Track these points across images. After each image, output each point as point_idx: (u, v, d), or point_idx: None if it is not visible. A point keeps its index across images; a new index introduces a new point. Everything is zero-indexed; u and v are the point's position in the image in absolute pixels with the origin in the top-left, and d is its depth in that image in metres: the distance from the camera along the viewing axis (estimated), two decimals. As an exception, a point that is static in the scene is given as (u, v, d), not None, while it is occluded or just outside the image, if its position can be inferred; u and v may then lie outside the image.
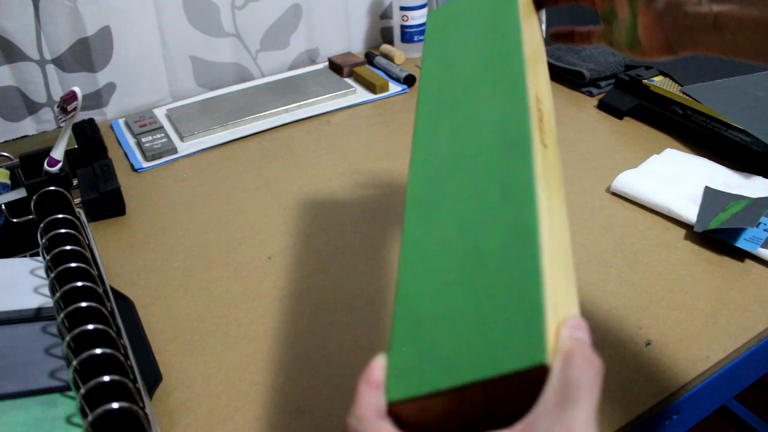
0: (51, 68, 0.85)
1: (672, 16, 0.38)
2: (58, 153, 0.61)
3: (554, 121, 0.37)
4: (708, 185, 0.64)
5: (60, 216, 0.52)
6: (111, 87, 0.91)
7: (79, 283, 0.44)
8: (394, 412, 0.25)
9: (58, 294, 0.44)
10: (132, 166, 0.78)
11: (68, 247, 0.48)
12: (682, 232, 0.60)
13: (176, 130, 0.85)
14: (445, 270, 0.28)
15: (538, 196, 0.28)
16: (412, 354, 0.26)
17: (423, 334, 0.26)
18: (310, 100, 0.90)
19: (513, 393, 0.24)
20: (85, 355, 0.38)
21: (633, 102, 0.81)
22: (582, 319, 0.25)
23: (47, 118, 0.88)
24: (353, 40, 1.12)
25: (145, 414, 0.38)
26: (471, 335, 0.25)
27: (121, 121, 0.90)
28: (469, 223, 0.29)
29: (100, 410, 0.35)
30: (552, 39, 0.51)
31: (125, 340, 0.45)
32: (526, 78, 0.35)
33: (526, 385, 0.23)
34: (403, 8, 1.03)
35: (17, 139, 0.83)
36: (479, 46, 0.40)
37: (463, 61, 0.40)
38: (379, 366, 0.26)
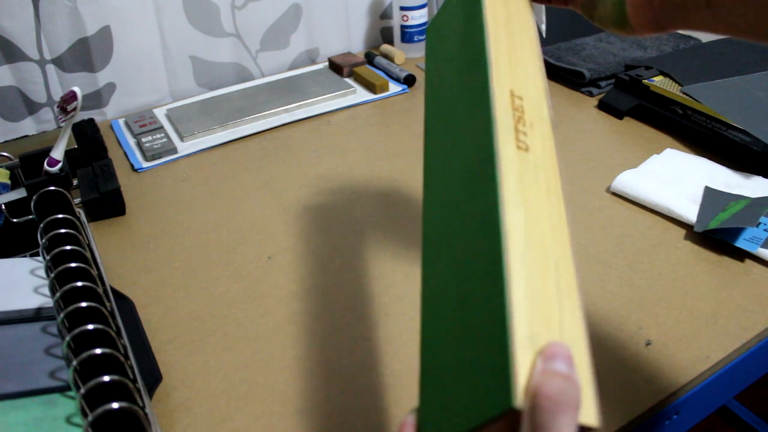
0: (51, 68, 0.85)
1: None
2: (58, 153, 0.61)
3: (548, 109, 0.33)
4: (708, 185, 0.64)
5: (60, 216, 0.52)
6: (111, 87, 0.91)
7: (79, 283, 0.44)
8: None
9: (58, 294, 0.44)
10: (132, 166, 0.78)
11: (68, 247, 0.48)
12: (682, 232, 0.60)
13: (176, 130, 0.85)
14: (446, 316, 0.27)
15: (505, 220, 0.25)
16: (430, 408, 0.26)
17: (436, 384, 0.26)
18: (310, 100, 0.90)
19: None
20: (85, 355, 0.38)
21: (633, 102, 0.81)
22: (561, 344, 0.22)
23: (47, 118, 0.88)
24: (353, 40, 1.12)
25: (145, 414, 0.38)
26: (462, 383, 0.24)
27: (121, 121, 0.90)
28: (458, 262, 0.28)
29: (100, 410, 0.36)
30: None
31: (125, 340, 0.45)
32: (491, 81, 0.31)
33: (512, 428, 0.22)
34: (403, 8, 1.03)
35: (17, 139, 0.83)
36: (456, 57, 0.38)
37: (447, 73, 0.38)
38: (410, 426, 0.26)
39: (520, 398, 0.21)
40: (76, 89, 0.58)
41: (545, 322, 0.23)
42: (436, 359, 0.27)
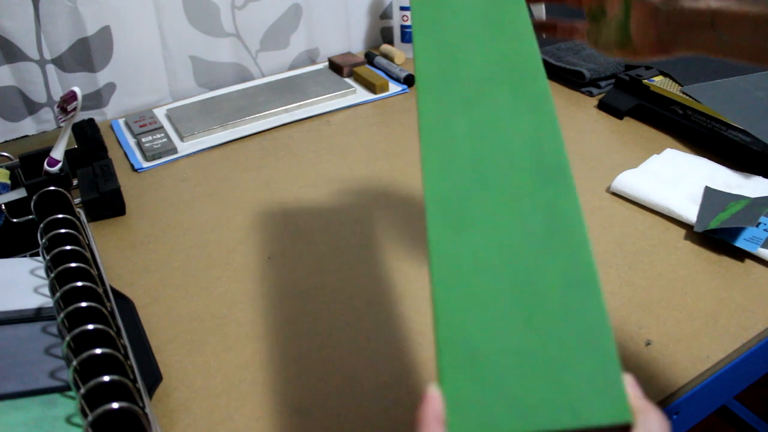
0: (51, 68, 0.85)
1: (667, 11, 0.37)
2: (58, 153, 0.61)
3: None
4: (708, 185, 0.64)
5: (60, 216, 0.52)
6: (111, 87, 0.91)
7: (79, 283, 0.44)
8: None
9: (58, 294, 0.44)
10: (132, 166, 0.78)
11: (68, 247, 0.48)
12: (682, 232, 0.60)
13: (176, 130, 0.85)
14: (492, 297, 0.27)
15: (586, 233, 0.28)
16: (472, 389, 0.24)
17: (481, 367, 0.25)
18: (310, 100, 0.90)
19: None
20: (85, 355, 0.38)
21: (633, 102, 0.81)
22: (632, 379, 0.25)
23: (47, 118, 0.88)
24: (353, 40, 1.12)
25: (145, 414, 0.38)
26: (543, 379, 0.24)
27: (121, 121, 0.90)
28: (511, 249, 0.28)
29: (100, 410, 0.36)
30: (535, 29, 0.47)
31: (125, 340, 0.45)
32: (548, 88, 0.33)
33: None
34: (403, 8, 1.03)
35: (17, 139, 0.83)
36: (487, 41, 0.37)
37: (468, 53, 0.37)
38: (438, 400, 0.24)
39: (632, 416, 0.23)
40: (76, 89, 0.58)
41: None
42: (473, 339, 0.26)
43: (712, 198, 0.62)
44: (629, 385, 0.24)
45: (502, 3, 0.39)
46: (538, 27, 0.48)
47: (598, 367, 0.24)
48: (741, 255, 0.56)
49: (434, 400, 0.24)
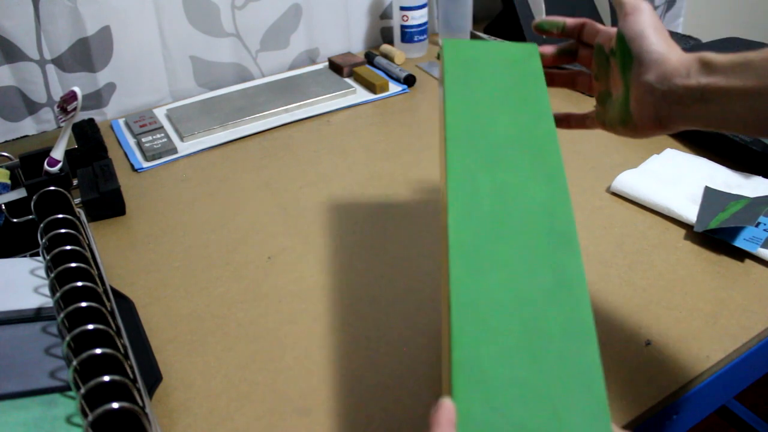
0: (51, 68, 0.85)
1: (662, 89, 0.40)
2: (58, 153, 0.61)
3: None
4: (708, 185, 0.64)
5: (60, 216, 0.52)
6: (111, 87, 0.91)
7: (79, 283, 0.44)
8: None
9: (58, 294, 0.44)
10: (132, 166, 0.78)
11: (68, 247, 0.48)
12: (682, 232, 0.60)
13: (176, 130, 0.85)
14: (503, 332, 0.31)
15: (588, 297, 0.32)
16: (481, 406, 0.28)
17: (490, 390, 0.29)
18: (310, 100, 0.90)
19: None
20: (85, 355, 0.38)
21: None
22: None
23: (47, 118, 0.88)
24: (353, 40, 1.12)
25: (145, 414, 0.38)
26: (542, 410, 0.28)
27: (121, 121, 0.90)
28: (523, 295, 0.32)
29: (100, 410, 0.36)
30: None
31: (125, 340, 0.45)
32: (562, 164, 0.39)
33: None
34: (403, 8, 1.03)
35: (17, 139, 0.83)
36: (509, 108, 0.43)
37: (493, 117, 0.43)
38: (452, 408, 0.28)
39: None
40: (76, 89, 0.58)
41: None
42: (483, 365, 0.30)
43: (711, 198, 0.62)
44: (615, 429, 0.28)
45: (526, 81, 0.45)
46: (559, 121, 0.53)
47: (590, 408, 0.28)
48: (741, 255, 0.56)
49: (449, 408, 0.28)
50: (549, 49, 0.50)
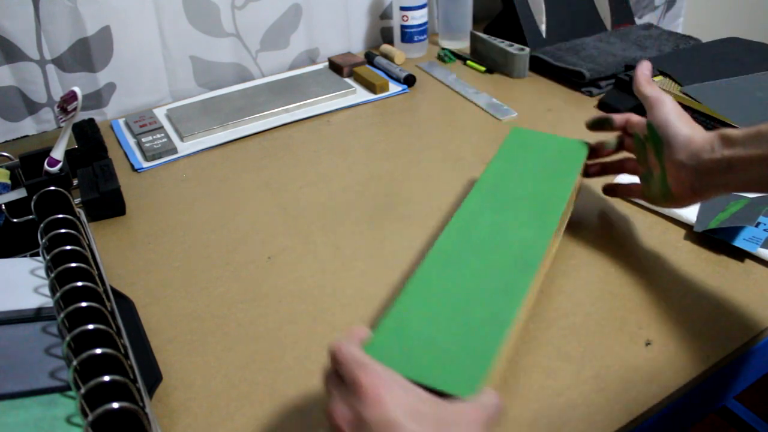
0: (51, 68, 0.85)
1: (692, 164, 0.47)
2: (58, 153, 0.61)
3: (572, 201, 0.55)
4: (708, 185, 0.64)
5: (60, 216, 0.52)
6: (111, 87, 0.91)
7: (79, 283, 0.44)
8: None
9: (58, 294, 0.44)
10: (132, 166, 0.78)
11: (68, 247, 0.48)
12: (682, 232, 0.60)
13: (176, 130, 0.85)
14: (436, 309, 0.40)
15: (518, 316, 0.40)
16: (389, 342, 0.37)
17: (403, 335, 0.38)
18: (310, 100, 0.90)
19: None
20: (85, 355, 0.38)
21: (633, 102, 0.81)
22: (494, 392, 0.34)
23: (47, 118, 0.88)
24: (353, 40, 1.12)
25: (146, 414, 0.38)
26: (437, 357, 0.36)
27: (121, 121, 0.90)
28: (469, 292, 0.41)
29: (100, 410, 0.36)
30: (604, 192, 0.63)
31: (125, 340, 0.45)
32: (558, 220, 0.49)
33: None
34: (403, 8, 1.03)
35: (17, 139, 0.83)
36: (538, 179, 0.53)
37: (521, 182, 0.53)
38: (365, 331, 0.37)
39: (467, 395, 0.33)
40: (76, 89, 0.58)
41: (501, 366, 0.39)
42: (409, 321, 0.38)
43: (712, 198, 0.62)
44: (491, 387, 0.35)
45: (565, 165, 0.56)
46: (608, 191, 0.62)
47: (475, 363, 0.35)
48: (741, 255, 0.56)
49: (362, 329, 0.37)
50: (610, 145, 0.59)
